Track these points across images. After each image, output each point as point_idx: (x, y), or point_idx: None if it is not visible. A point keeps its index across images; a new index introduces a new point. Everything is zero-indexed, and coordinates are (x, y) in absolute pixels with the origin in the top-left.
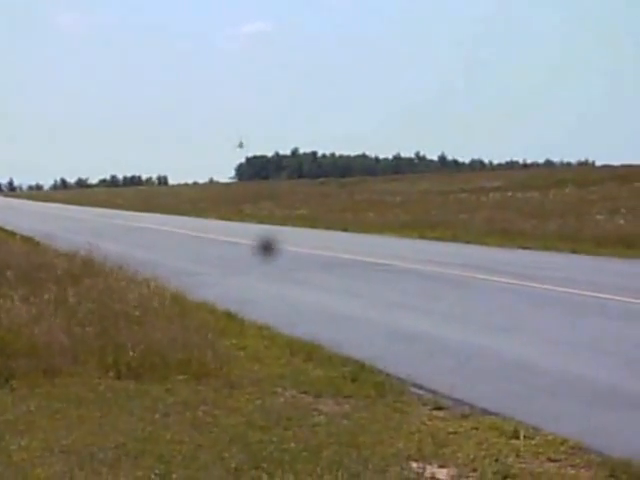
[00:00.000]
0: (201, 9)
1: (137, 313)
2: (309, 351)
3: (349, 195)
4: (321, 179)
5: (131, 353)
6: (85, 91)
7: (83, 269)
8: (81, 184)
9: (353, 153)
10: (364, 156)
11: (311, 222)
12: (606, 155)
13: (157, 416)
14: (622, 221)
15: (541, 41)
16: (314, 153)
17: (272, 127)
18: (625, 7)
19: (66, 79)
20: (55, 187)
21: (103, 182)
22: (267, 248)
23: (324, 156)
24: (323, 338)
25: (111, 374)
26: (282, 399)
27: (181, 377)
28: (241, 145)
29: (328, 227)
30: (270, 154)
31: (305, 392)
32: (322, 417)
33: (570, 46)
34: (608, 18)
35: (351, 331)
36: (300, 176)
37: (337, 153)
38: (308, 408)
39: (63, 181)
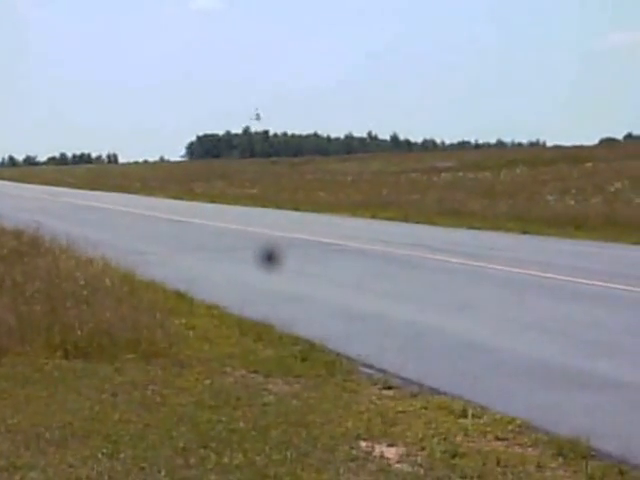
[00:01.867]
0: None
1: (85, 292)
2: (259, 331)
3: (301, 175)
4: (273, 158)
5: (79, 332)
6: (33, 68)
7: (30, 248)
8: (30, 162)
9: (305, 132)
10: (316, 135)
11: (262, 201)
12: (557, 136)
13: (105, 396)
14: (572, 202)
15: (494, 22)
16: (266, 132)
17: (223, 105)
18: None
19: (16, 57)
20: (3, 165)
21: (52, 160)
22: (270, 258)
23: (276, 135)
24: (274, 318)
25: (59, 354)
26: (231, 379)
27: (130, 356)
28: (258, 117)
29: (279, 206)
30: (221, 133)
31: (255, 372)
32: (271, 397)
33: (521, 28)
34: None
35: (302, 311)
36: (251, 155)
37: (289, 132)
38: (257, 388)
39: (11, 159)
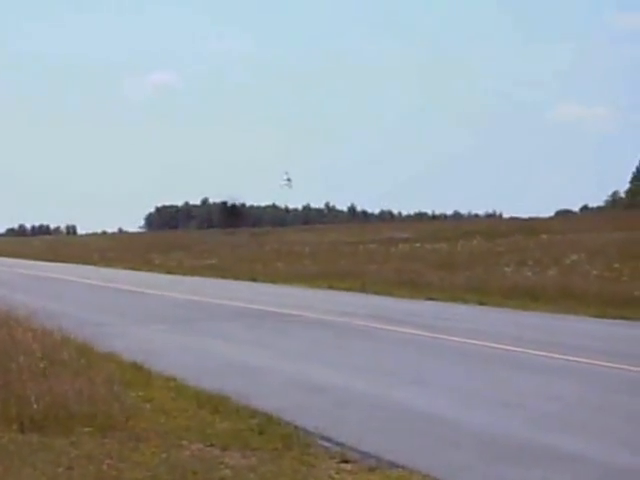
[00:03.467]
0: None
1: (42, 365)
2: (216, 403)
3: (259, 245)
4: (231, 229)
5: (35, 406)
6: None
7: None
8: None
9: (263, 203)
10: (274, 206)
11: (220, 272)
12: (513, 207)
13: (61, 469)
14: (529, 273)
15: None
16: (224, 203)
17: (181, 177)
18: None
19: None
20: None
21: (11, 231)
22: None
23: (234, 206)
24: (231, 390)
25: (14, 427)
26: (188, 452)
27: (86, 430)
28: (289, 182)
29: (237, 277)
30: (180, 204)
31: (211, 445)
32: (228, 470)
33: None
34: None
35: (259, 383)
36: (210, 226)
37: (247, 203)
38: (214, 461)
39: None
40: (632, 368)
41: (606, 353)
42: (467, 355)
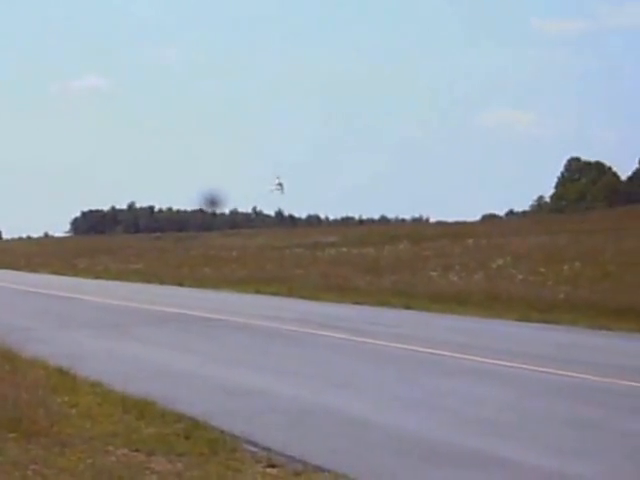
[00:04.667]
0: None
1: None
2: (142, 408)
3: (185, 250)
4: (157, 234)
5: None
6: None
7: None
8: None
9: (190, 208)
10: (201, 211)
11: (146, 277)
12: (440, 212)
13: None
14: (455, 278)
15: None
16: (151, 208)
17: (108, 181)
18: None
19: None
20: None
21: None
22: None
23: (160, 211)
24: (157, 395)
25: None
26: (113, 458)
27: (11, 436)
28: (281, 187)
29: (164, 282)
30: (106, 208)
31: (137, 450)
32: (154, 476)
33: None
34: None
35: (186, 387)
36: (136, 231)
37: (174, 208)
38: (140, 467)
39: None
40: (555, 372)
41: (530, 357)
42: (394, 359)
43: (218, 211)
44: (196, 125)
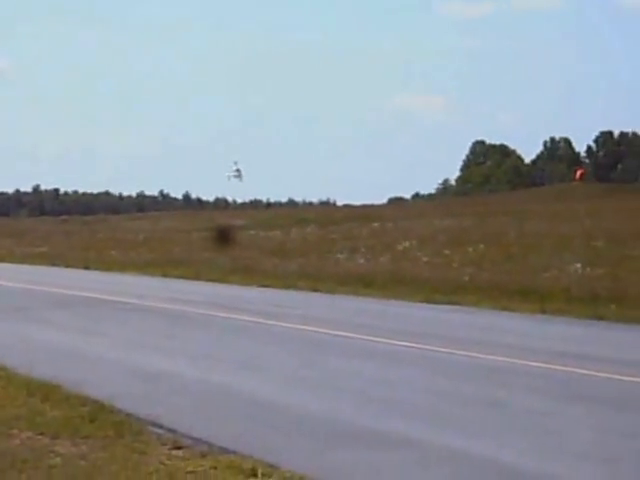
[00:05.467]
0: None
1: None
2: (47, 391)
3: (92, 233)
4: (63, 217)
5: None
6: None
7: None
8: None
9: (96, 191)
10: (107, 194)
11: (52, 260)
12: (347, 195)
13: None
14: (362, 260)
15: (287, 79)
16: (56, 190)
17: (12, 163)
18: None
19: None
20: None
21: None
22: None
23: (66, 194)
24: (62, 378)
25: None
26: (17, 441)
27: None
28: (239, 174)
29: (70, 265)
30: (10, 191)
31: (42, 433)
32: (58, 459)
33: (308, 89)
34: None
35: (91, 370)
36: (42, 214)
37: (80, 191)
38: (44, 450)
39: None
40: (460, 352)
41: (434, 338)
42: (300, 341)
43: None
44: (101, 107)
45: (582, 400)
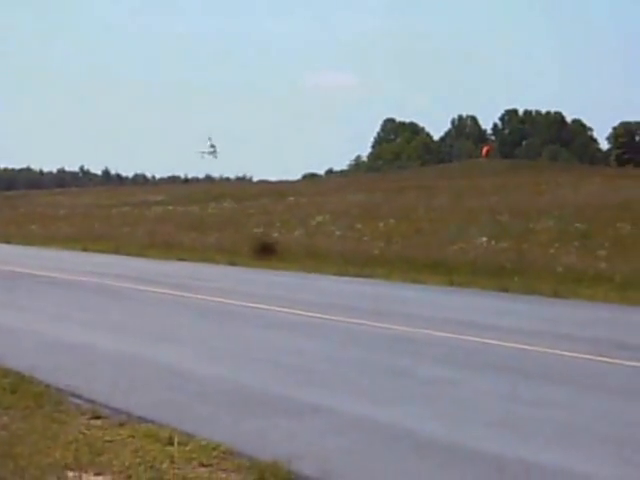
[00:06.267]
0: None
1: None
2: None
3: (13, 208)
4: None
5: None
6: None
7: None
8: None
9: (17, 166)
10: (28, 169)
11: None
12: (263, 171)
13: None
14: (276, 234)
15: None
16: None
17: None
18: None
19: None
20: None
21: None
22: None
23: None
24: None
25: None
26: None
27: None
28: (214, 150)
29: None
30: None
31: None
32: None
33: (229, 69)
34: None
35: (11, 343)
36: None
37: (1, 166)
38: None
39: None
40: (369, 323)
41: (346, 309)
42: (214, 313)
43: None
44: (22, 84)
45: (488, 369)
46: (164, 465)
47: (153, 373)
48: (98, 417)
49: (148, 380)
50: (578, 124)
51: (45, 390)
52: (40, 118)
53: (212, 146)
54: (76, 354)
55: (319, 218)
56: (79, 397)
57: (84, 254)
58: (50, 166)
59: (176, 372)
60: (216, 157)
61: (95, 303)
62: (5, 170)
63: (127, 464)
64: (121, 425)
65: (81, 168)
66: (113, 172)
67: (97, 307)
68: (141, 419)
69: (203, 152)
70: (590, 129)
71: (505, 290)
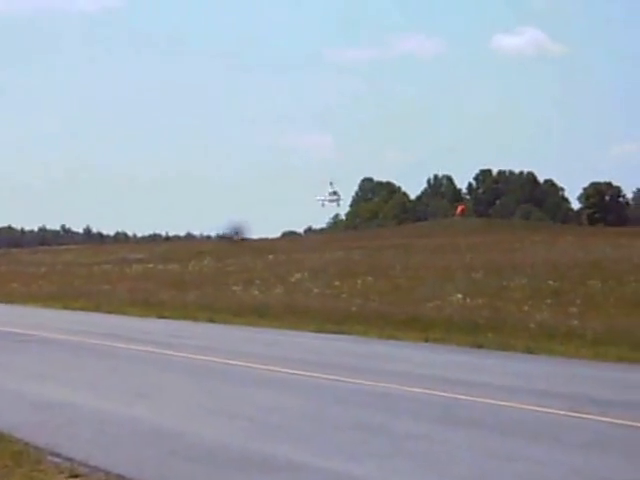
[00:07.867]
0: None
1: None
2: None
3: None
4: None
5: None
6: None
7: None
8: None
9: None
10: (10, 228)
11: None
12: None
13: None
14: (256, 292)
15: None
16: None
17: None
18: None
19: None
20: None
21: None
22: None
23: None
24: None
25: None
26: None
27: None
28: (336, 195)
29: None
30: None
31: None
32: None
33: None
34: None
35: None
36: None
37: None
38: None
39: None
40: (347, 379)
41: (324, 366)
42: (196, 370)
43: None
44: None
45: (461, 424)
46: None
47: (133, 431)
48: (76, 476)
49: (127, 438)
50: (550, 184)
51: (24, 448)
52: (21, 177)
53: (334, 192)
54: (55, 412)
55: (298, 275)
56: (58, 455)
57: (65, 312)
58: (31, 224)
59: (155, 429)
60: (339, 205)
61: (75, 361)
62: None
63: None
64: None
65: (62, 226)
66: (94, 230)
67: (77, 365)
68: (120, 477)
69: (323, 200)
70: (562, 189)
71: (480, 346)
